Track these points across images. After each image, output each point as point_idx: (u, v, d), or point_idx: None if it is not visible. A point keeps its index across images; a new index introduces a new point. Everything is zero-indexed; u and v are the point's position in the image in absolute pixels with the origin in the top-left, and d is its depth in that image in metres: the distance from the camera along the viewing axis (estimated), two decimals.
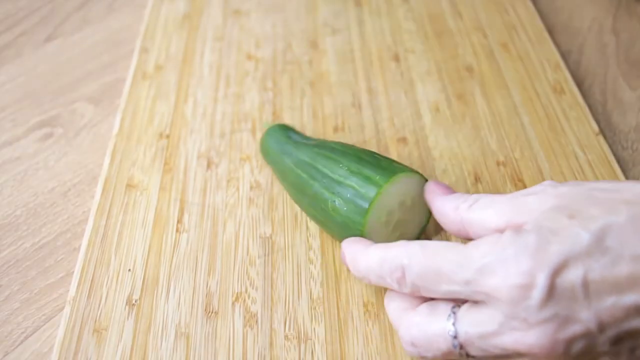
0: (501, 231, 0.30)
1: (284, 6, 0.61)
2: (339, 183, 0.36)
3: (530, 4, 0.60)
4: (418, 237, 0.39)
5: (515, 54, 0.55)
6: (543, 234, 0.27)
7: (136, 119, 0.50)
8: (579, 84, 0.52)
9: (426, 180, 0.37)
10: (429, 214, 0.38)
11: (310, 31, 0.58)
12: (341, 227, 0.37)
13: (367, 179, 0.35)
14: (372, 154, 0.38)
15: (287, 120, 0.49)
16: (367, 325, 0.36)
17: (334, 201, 0.36)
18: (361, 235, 0.35)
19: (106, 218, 0.42)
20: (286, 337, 0.36)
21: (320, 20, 0.59)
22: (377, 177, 0.35)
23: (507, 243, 0.27)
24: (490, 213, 0.31)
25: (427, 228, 0.40)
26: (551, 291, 0.26)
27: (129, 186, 0.45)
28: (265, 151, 0.44)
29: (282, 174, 0.41)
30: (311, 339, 0.36)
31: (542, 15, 0.60)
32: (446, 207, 0.34)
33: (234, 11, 0.61)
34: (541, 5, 0.62)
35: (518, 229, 0.28)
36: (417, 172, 0.36)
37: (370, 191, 0.35)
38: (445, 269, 0.29)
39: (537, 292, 0.26)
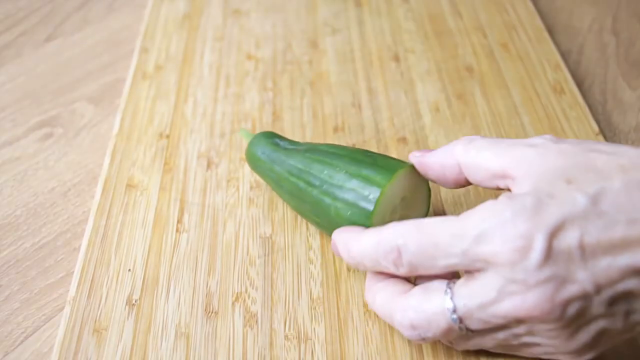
0: (498, 177, 0.31)
1: (284, 6, 0.61)
2: (340, 187, 0.36)
3: (530, 4, 0.60)
4: None
5: (515, 53, 0.55)
6: (540, 197, 0.27)
7: (136, 119, 0.50)
8: (579, 84, 0.52)
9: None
10: (428, 205, 0.38)
11: (310, 31, 0.58)
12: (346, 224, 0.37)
13: (368, 181, 0.35)
14: (364, 152, 0.38)
15: (287, 120, 0.49)
16: (367, 325, 0.36)
17: (337, 206, 0.36)
18: None
19: (106, 218, 0.42)
20: (286, 337, 0.36)
21: (320, 20, 0.59)
22: (378, 178, 0.35)
23: (504, 207, 0.28)
24: (488, 155, 0.31)
25: None
26: (549, 252, 0.26)
27: (129, 186, 0.45)
28: (253, 163, 0.42)
29: (276, 183, 0.40)
30: (311, 339, 0.36)
31: (542, 15, 0.60)
32: (440, 156, 0.34)
33: (234, 11, 0.61)
34: (541, 5, 0.62)
35: (512, 195, 0.28)
36: (411, 164, 0.36)
37: (374, 193, 0.35)
38: (441, 242, 0.29)
39: (535, 253, 0.26)
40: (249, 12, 0.61)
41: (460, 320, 0.29)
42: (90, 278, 0.39)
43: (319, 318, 0.37)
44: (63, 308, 0.38)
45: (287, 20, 0.59)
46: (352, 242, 0.33)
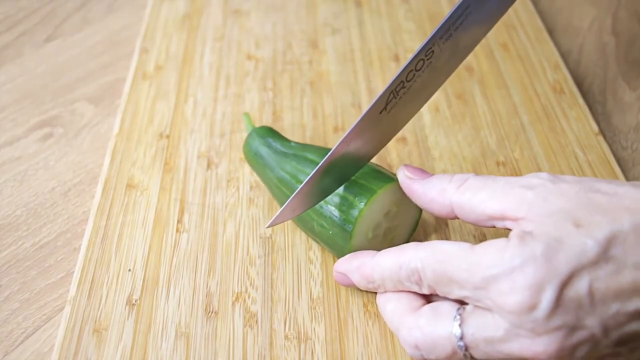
0: (496, 219, 0.30)
1: (284, 6, 0.61)
2: (321, 206, 0.37)
3: (530, 4, 0.60)
4: (412, 234, 0.39)
5: (515, 53, 0.55)
6: (550, 243, 0.27)
7: (136, 119, 0.50)
8: (579, 84, 0.52)
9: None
10: (419, 214, 0.38)
11: (310, 31, 0.58)
12: (330, 246, 0.38)
13: (347, 202, 0.35)
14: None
15: (287, 120, 0.49)
16: (367, 325, 0.36)
17: (321, 224, 0.37)
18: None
19: (106, 218, 0.42)
20: (286, 337, 0.36)
21: (320, 20, 0.59)
22: (356, 200, 0.35)
23: (514, 253, 0.27)
24: (483, 198, 0.30)
25: (426, 221, 0.40)
26: (558, 302, 0.26)
27: (129, 186, 0.45)
28: (248, 160, 0.43)
29: (268, 185, 0.41)
30: (311, 339, 0.36)
31: (542, 15, 0.60)
32: (431, 192, 0.33)
33: (234, 11, 0.61)
34: (541, 5, 0.62)
35: (523, 237, 0.28)
36: (391, 179, 0.36)
37: (352, 215, 0.35)
38: (455, 276, 0.29)
39: (545, 304, 0.26)
40: (249, 12, 0.61)
41: (466, 348, 0.29)
42: (91, 278, 0.39)
43: (319, 318, 0.37)
44: (63, 308, 0.38)
45: (287, 20, 0.59)
46: (368, 266, 0.34)
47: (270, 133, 0.43)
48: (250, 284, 0.38)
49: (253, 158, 0.42)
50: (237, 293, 0.38)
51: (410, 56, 0.33)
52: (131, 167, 0.46)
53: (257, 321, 0.37)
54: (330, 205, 0.36)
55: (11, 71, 0.57)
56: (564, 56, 0.55)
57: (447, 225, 0.41)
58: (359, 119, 0.34)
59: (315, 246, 0.40)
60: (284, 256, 0.40)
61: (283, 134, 0.48)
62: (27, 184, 0.47)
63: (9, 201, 0.46)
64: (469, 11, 0.33)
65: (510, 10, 0.59)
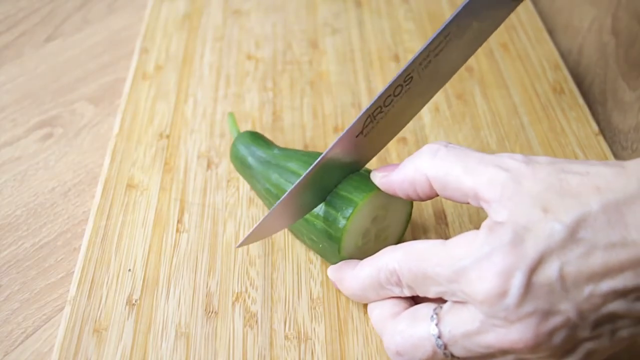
0: (470, 197, 0.30)
1: (284, 6, 0.61)
2: (307, 219, 0.37)
3: (530, 4, 0.60)
4: (406, 227, 0.38)
5: (515, 54, 0.55)
6: (517, 231, 0.27)
7: (136, 119, 0.50)
8: (579, 84, 0.52)
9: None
10: (409, 206, 0.38)
11: (310, 31, 0.58)
12: (323, 256, 0.38)
13: (331, 216, 0.35)
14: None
15: (287, 120, 0.49)
16: (367, 325, 0.36)
17: (310, 237, 0.37)
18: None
19: (106, 218, 0.42)
20: (286, 337, 0.36)
21: (320, 20, 0.59)
22: (339, 215, 0.35)
23: (483, 242, 0.27)
24: (458, 172, 0.30)
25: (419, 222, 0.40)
26: (528, 288, 0.26)
27: (129, 186, 0.45)
28: (236, 168, 0.43)
29: (257, 194, 0.42)
30: (311, 339, 0.36)
31: (542, 15, 0.60)
32: (407, 174, 0.33)
33: (234, 11, 0.61)
34: (541, 5, 0.62)
35: (492, 227, 0.28)
36: (373, 187, 0.35)
37: (337, 231, 0.35)
38: (429, 272, 0.29)
39: (514, 290, 0.26)
40: (249, 12, 0.61)
41: (445, 346, 0.29)
42: (91, 278, 0.39)
43: (319, 318, 0.37)
44: (63, 308, 0.38)
45: (287, 20, 0.59)
46: (348, 280, 0.34)
47: (253, 139, 0.42)
48: (250, 284, 0.38)
49: (240, 167, 0.43)
50: (237, 293, 0.38)
51: (389, 81, 0.34)
52: (131, 167, 0.46)
53: (257, 321, 0.37)
54: (316, 220, 0.36)
55: (11, 71, 0.57)
56: (564, 56, 0.55)
57: (447, 225, 0.41)
58: (334, 142, 0.34)
59: None
60: (284, 256, 0.40)
61: (283, 134, 0.48)
62: (27, 184, 0.47)
63: (9, 201, 0.46)
64: (448, 39, 0.34)
65: None
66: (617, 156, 0.46)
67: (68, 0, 0.66)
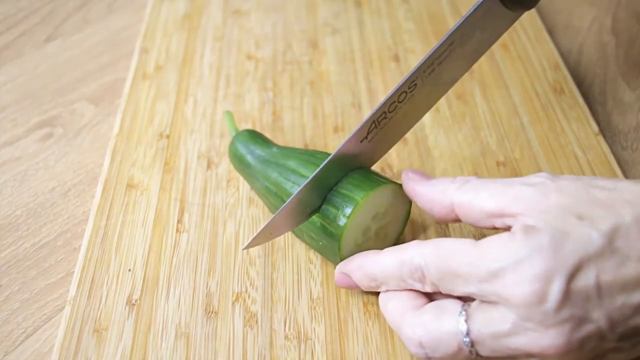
0: (495, 217, 0.30)
1: (284, 6, 0.61)
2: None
3: None
4: (404, 226, 0.39)
5: (515, 54, 0.55)
6: (555, 235, 0.27)
7: (136, 119, 0.50)
8: (579, 84, 0.52)
9: (386, 182, 0.36)
10: (409, 204, 0.38)
11: (310, 31, 0.58)
12: (323, 254, 0.38)
13: (331, 214, 0.35)
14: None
15: (287, 120, 0.49)
16: (367, 325, 0.36)
17: (310, 235, 0.37)
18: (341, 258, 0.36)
19: (106, 218, 0.42)
20: (286, 337, 0.36)
21: (320, 20, 0.59)
22: (339, 213, 0.35)
23: (521, 245, 0.27)
24: (484, 197, 0.30)
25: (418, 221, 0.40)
26: (567, 294, 0.26)
27: (129, 186, 0.45)
28: (235, 167, 0.43)
29: (256, 192, 0.41)
30: (311, 339, 0.36)
31: (542, 15, 0.60)
32: (433, 192, 0.33)
33: (234, 11, 0.61)
34: (541, 5, 0.62)
35: (527, 230, 0.28)
36: (378, 182, 0.36)
37: (337, 229, 0.35)
38: (459, 271, 0.29)
39: (554, 295, 0.26)
40: (249, 12, 0.61)
41: (472, 344, 0.29)
42: (91, 278, 0.39)
43: (319, 318, 0.37)
44: (63, 308, 0.38)
45: (287, 20, 0.59)
46: (370, 264, 0.33)
47: (252, 138, 0.42)
48: (250, 284, 0.38)
49: (239, 166, 0.43)
50: (237, 293, 0.38)
51: (392, 87, 0.35)
52: (131, 167, 0.46)
53: (257, 321, 0.37)
54: (316, 218, 0.36)
55: (11, 71, 0.57)
56: (564, 56, 0.55)
57: (447, 226, 0.41)
58: (339, 147, 0.35)
59: None
60: (284, 256, 0.40)
61: (283, 134, 0.48)
62: (27, 184, 0.47)
63: (9, 201, 0.46)
64: (452, 47, 0.34)
65: None
66: (617, 156, 0.46)
67: (68, 0, 0.66)
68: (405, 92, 0.35)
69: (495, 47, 0.55)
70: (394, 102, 0.35)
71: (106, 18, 0.63)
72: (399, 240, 0.39)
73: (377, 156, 0.38)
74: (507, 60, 0.54)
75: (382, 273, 0.33)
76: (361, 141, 0.35)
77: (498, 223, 0.30)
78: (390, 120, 0.36)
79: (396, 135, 0.37)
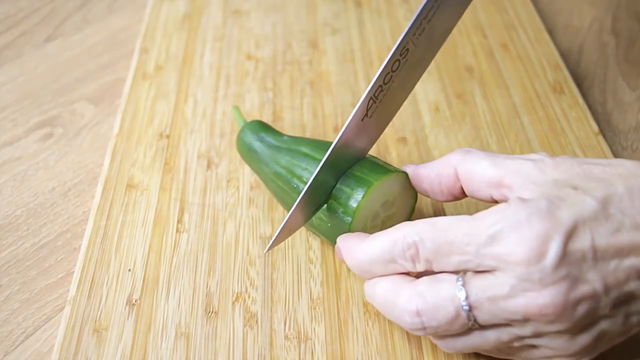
0: (494, 186, 0.32)
1: (284, 6, 0.61)
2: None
3: (530, 4, 0.60)
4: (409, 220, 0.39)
5: (515, 54, 0.55)
6: (552, 200, 0.28)
7: (136, 119, 0.50)
8: (579, 84, 0.52)
9: (399, 171, 0.36)
10: (414, 200, 0.38)
11: (310, 31, 0.58)
12: (329, 238, 0.38)
13: (345, 195, 0.36)
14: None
15: (287, 120, 0.49)
16: (367, 325, 0.36)
17: (319, 217, 0.37)
18: None
19: (106, 218, 0.42)
20: (286, 337, 0.36)
21: (320, 20, 0.59)
22: (354, 192, 0.35)
23: (518, 209, 0.28)
24: (485, 164, 0.32)
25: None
26: (564, 253, 0.27)
27: (129, 186, 0.45)
28: (242, 156, 0.44)
29: (264, 180, 0.42)
30: (311, 339, 0.36)
31: (542, 15, 0.60)
32: (437, 166, 0.34)
33: (234, 11, 0.61)
34: (541, 5, 0.62)
35: (524, 199, 0.29)
36: (391, 169, 0.36)
37: (350, 208, 0.35)
38: (456, 240, 0.29)
39: (553, 253, 0.27)
40: (249, 12, 0.61)
41: (470, 308, 0.29)
42: (91, 278, 0.39)
43: (319, 318, 0.37)
44: (63, 308, 0.38)
45: (287, 20, 0.59)
46: (356, 249, 0.33)
47: (262, 127, 0.43)
48: (250, 284, 0.38)
49: (247, 154, 0.42)
50: (237, 293, 0.38)
51: (385, 59, 0.34)
52: (131, 167, 0.46)
53: (257, 321, 0.37)
54: (330, 199, 0.36)
55: (11, 71, 0.57)
56: (564, 56, 0.55)
57: None
58: (342, 129, 0.35)
59: (315, 246, 0.40)
60: (284, 256, 0.40)
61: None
62: (27, 184, 0.47)
63: (9, 201, 0.46)
64: (439, 2, 0.34)
65: (510, 10, 0.59)
66: (617, 156, 0.46)
67: (68, 0, 0.66)
68: (399, 60, 0.35)
69: (495, 47, 0.55)
70: (389, 72, 0.35)
71: (106, 18, 0.63)
72: None
73: (381, 130, 0.38)
74: (507, 60, 0.54)
75: (369, 258, 0.32)
76: (362, 119, 0.35)
77: (496, 194, 0.32)
78: (388, 92, 0.35)
79: (396, 105, 0.37)
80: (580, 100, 0.50)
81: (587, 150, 0.46)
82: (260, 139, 0.42)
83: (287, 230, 0.36)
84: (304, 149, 0.39)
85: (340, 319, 0.37)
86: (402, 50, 0.34)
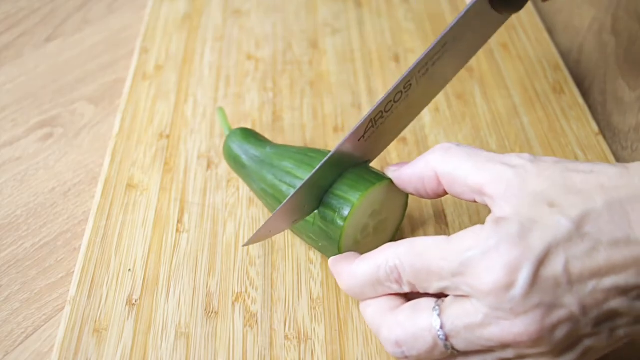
0: (478, 192, 0.31)
1: (284, 6, 0.61)
2: (305, 219, 0.37)
3: (530, 4, 0.60)
4: (402, 218, 0.39)
5: (515, 54, 0.55)
6: (524, 223, 0.27)
7: (136, 119, 0.50)
8: (579, 84, 0.52)
9: (380, 179, 0.36)
10: (406, 196, 0.38)
11: (310, 31, 0.58)
12: (324, 254, 0.38)
13: (329, 217, 0.35)
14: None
15: (287, 120, 0.49)
16: (367, 325, 0.36)
17: (309, 236, 0.37)
18: None
19: (106, 218, 0.42)
20: (286, 337, 0.36)
21: (320, 20, 0.59)
22: (336, 216, 0.35)
23: (489, 234, 0.28)
24: (466, 168, 0.31)
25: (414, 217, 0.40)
26: (535, 280, 0.26)
27: (129, 186, 0.45)
28: (230, 166, 0.43)
29: (253, 192, 0.41)
30: (311, 339, 0.36)
31: (542, 15, 0.60)
32: (418, 169, 0.34)
33: (234, 11, 0.61)
34: (541, 5, 0.62)
35: (499, 220, 0.28)
36: (372, 180, 0.36)
37: (335, 231, 0.35)
38: (433, 266, 0.29)
39: (522, 282, 0.26)
40: (249, 12, 0.61)
41: (447, 337, 0.29)
42: (91, 278, 0.39)
43: (319, 318, 0.37)
44: (63, 308, 0.38)
45: (287, 20, 0.59)
46: (345, 276, 0.33)
47: (245, 138, 0.42)
48: (250, 284, 0.38)
49: (234, 166, 0.43)
50: (237, 293, 0.38)
51: (390, 86, 0.36)
52: (131, 167, 0.46)
53: (257, 321, 0.37)
54: (314, 219, 0.36)
55: (11, 71, 0.57)
56: (564, 56, 0.55)
57: (447, 225, 0.41)
58: (337, 146, 0.35)
59: None
60: (284, 256, 0.40)
61: (283, 134, 0.48)
62: (27, 184, 0.47)
63: (9, 201, 0.46)
64: (445, 49, 0.36)
65: None
66: (617, 156, 0.46)
67: (68, 0, 0.66)
68: (401, 92, 0.36)
69: (495, 47, 0.55)
70: (391, 101, 0.36)
71: (106, 18, 0.63)
72: (398, 232, 0.39)
73: (374, 154, 0.38)
74: (507, 60, 0.54)
75: (357, 284, 0.33)
76: (358, 140, 0.36)
77: (478, 199, 0.31)
78: (387, 120, 0.36)
79: (392, 134, 0.38)
80: (580, 100, 0.50)
81: (587, 150, 0.46)
82: (245, 151, 0.42)
83: (267, 232, 0.36)
84: (287, 165, 0.38)
85: (340, 319, 0.37)
86: (406, 84, 0.35)
